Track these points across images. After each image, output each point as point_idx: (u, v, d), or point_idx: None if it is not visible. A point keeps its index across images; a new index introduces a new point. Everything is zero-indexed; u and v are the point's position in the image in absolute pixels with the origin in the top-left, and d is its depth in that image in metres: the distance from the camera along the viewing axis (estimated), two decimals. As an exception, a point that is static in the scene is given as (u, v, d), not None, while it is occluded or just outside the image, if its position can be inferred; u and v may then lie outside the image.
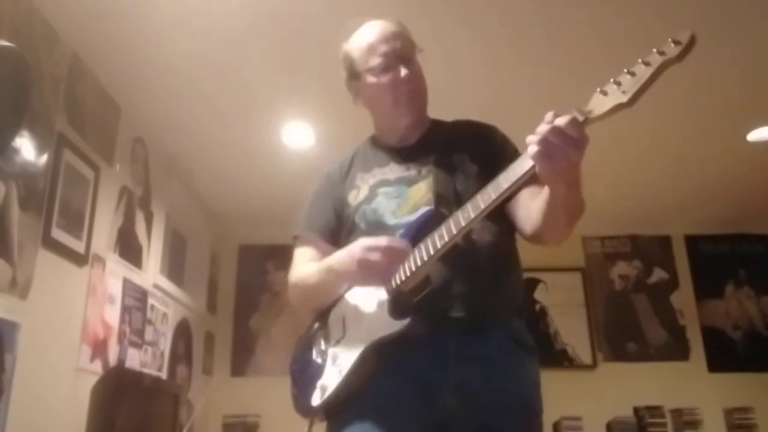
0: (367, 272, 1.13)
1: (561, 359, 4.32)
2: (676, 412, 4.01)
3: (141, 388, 2.71)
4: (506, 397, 1.14)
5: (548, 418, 4.21)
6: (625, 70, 0.90)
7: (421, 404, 1.13)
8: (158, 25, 2.35)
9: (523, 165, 0.99)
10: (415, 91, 1.34)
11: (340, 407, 1.19)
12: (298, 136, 3.18)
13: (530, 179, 1.01)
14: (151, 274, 3.16)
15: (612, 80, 0.92)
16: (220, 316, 4.38)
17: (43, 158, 2.18)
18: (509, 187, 1.01)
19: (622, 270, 4.56)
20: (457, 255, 1.14)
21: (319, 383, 1.22)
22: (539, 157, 0.94)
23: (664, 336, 4.37)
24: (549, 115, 0.95)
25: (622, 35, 2.40)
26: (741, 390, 4.11)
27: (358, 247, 1.15)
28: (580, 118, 0.93)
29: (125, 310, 2.80)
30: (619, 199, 4.08)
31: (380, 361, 1.15)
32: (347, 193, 1.36)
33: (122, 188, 2.83)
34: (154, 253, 3.21)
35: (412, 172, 1.31)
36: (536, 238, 1.20)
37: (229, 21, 2.35)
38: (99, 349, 2.53)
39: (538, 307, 4.45)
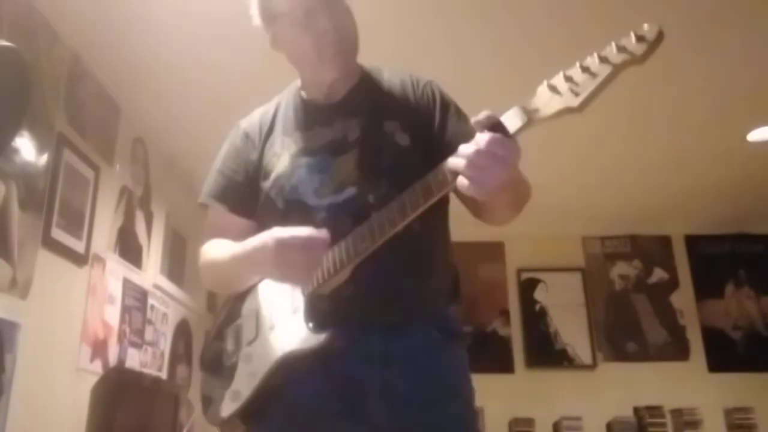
0: (286, 271, 1.02)
1: (561, 359, 4.32)
2: (676, 412, 4.01)
3: (141, 388, 2.71)
4: (434, 394, 1.07)
5: (548, 418, 4.22)
6: (579, 65, 0.79)
7: (345, 409, 1.05)
8: (158, 25, 2.35)
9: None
10: (342, 40, 1.16)
11: (255, 416, 1.09)
12: (298, 136, 3.17)
13: None
14: (151, 274, 3.16)
15: (562, 74, 0.81)
16: (220, 316, 4.37)
17: (43, 158, 2.18)
18: (438, 194, 0.94)
19: (622, 270, 4.57)
20: (380, 252, 1.02)
21: (230, 391, 1.11)
22: (470, 188, 0.88)
23: (664, 336, 4.37)
24: (477, 137, 0.87)
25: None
26: (741, 390, 4.11)
27: (272, 242, 1.01)
28: (523, 120, 0.85)
29: (125, 310, 2.80)
30: (619, 199, 4.08)
31: (298, 369, 1.05)
32: (266, 158, 1.20)
33: (122, 188, 2.83)
34: (154, 253, 3.21)
35: (338, 135, 1.16)
36: (487, 222, 1.15)
37: (228, 21, 2.34)
38: (99, 349, 2.53)
39: (538, 307, 4.45)
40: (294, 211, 1.13)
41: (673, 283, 4.51)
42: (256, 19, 1.24)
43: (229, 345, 1.17)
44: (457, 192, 1.10)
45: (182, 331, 3.63)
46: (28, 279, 2.05)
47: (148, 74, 2.66)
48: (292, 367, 1.05)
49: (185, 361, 3.68)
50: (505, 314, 4.39)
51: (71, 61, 2.41)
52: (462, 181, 0.88)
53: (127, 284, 2.83)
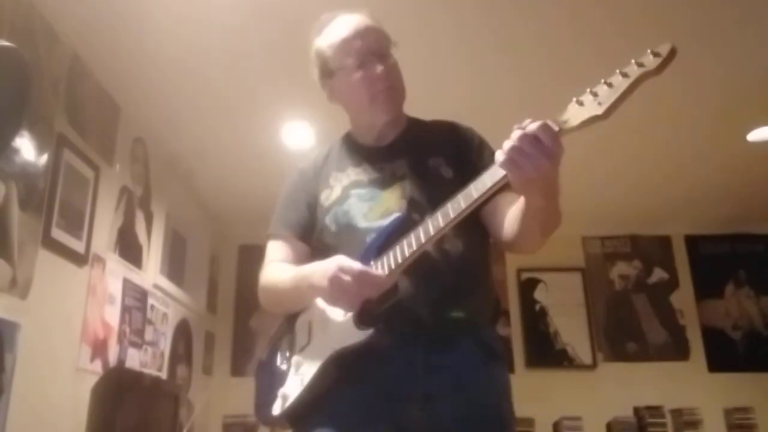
0: (336, 293, 1.08)
1: (561, 359, 4.32)
2: (676, 412, 4.01)
3: (141, 388, 2.71)
4: (475, 410, 1.11)
5: (548, 418, 4.22)
6: (603, 81, 0.89)
7: (385, 415, 1.10)
8: (158, 25, 2.35)
9: (495, 174, 0.97)
10: (392, 87, 1.29)
11: (302, 417, 1.16)
12: (298, 136, 3.18)
13: (506, 186, 0.98)
14: (151, 274, 3.16)
15: (588, 90, 0.90)
16: (220, 316, 4.38)
17: (43, 158, 2.18)
18: (479, 197, 0.99)
19: (622, 270, 4.57)
20: (426, 264, 1.12)
21: (281, 391, 1.20)
22: (507, 165, 0.92)
23: (664, 336, 4.37)
24: (525, 122, 0.93)
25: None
26: (741, 390, 4.11)
27: (333, 265, 1.09)
28: (555, 129, 0.91)
29: (125, 310, 2.80)
30: (619, 199, 4.08)
31: (343, 370, 1.11)
32: (320, 191, 1.33)
33: (122, 188, 2.83)
34: (154, 253, 3.21)
35: (386, 173, 1.27)
36: (510, 246, 1.18)
37: (229, 21, 2.35)
38: (99, 349, 2.53)
39: (538, 307, 4.46)
40: (345, 232, 1.24)
41: (673, 283, 4.51)
42: (315, 77, 1.37)
43: (283, 353, 1.27)
44: (488, 221, 1.21)
45: (182, 331, 3.63)
46: (28, 279, 2.05)
47: (148, 74, 2.66)
48: (340, 366, 1.11)
49: (185, 361, 3.68)
50: (505, 314, 4.39)
51: (71, 61, 2.40)
52: (502, 159, 0.92)
53: (127, 284, 2.83)
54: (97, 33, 2.37)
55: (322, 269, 1.11)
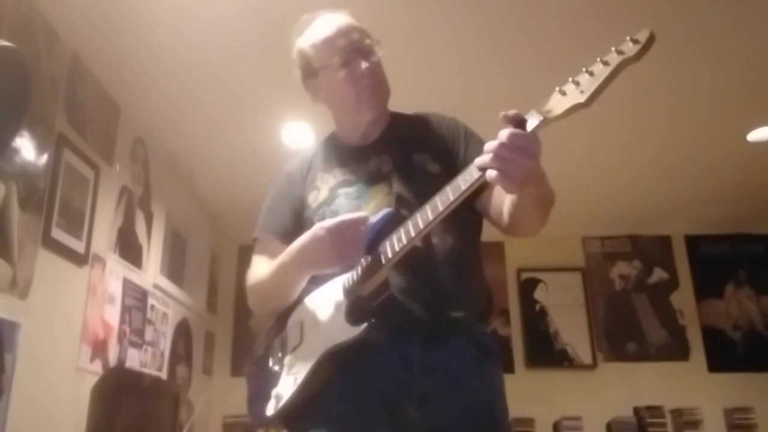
0: (341, 249, 1.09)
1: (561, 359, 4.32)
2: (676, 412, 4.01)
3: (141, 388, 2.72)
4: (470, 408, 1.11)
5: (548, 418, 4.21)
6: (584, 69, 0.90)
7: (381, 414, 1.10)
8: (158, 25, 2.35)
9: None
10: (377, 84, 1.29)
11: (296, 417, 1.15)
12: (298, 136, 3.18)
13: None
14: (151, 274, 3.16)
15: (571, 79, 0.91)
16: (220, 316, 4.38)
17: (43, 158, 2.18)
18: (467, 189, 0.99)
19: (622, 270, 4.57)
20: (417, 259, 1.12)
21: (274, 392, 1.19)
22: (496, 178, 0.92)
23: (664, 336, 4.37)
24: (511, 112, 0.94)
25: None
26: (741, 390, 4.11)
27: (320, 229, 1.11)
28: (539, 119, 0.92)
29: (125, 310, 2.80)
30: (619, 199, 4.08)
31: (337, 368, 1.11)
32: (307, 193, 1.33)
33: (122, 188, 2.83)
34: (154, 253, 3.21)
35: (372, 171, 1.27)
36: (511, 231, 1.18)
37: (229, 21, 2.35)
38: (99, 349, 2.53)
39: (538, 307, 4.46)
40: None
41: (673, 283, 4.51)
42: (298, 79, 1.37)
43: (276, 353, 1.25)
44: (486, 211, 1.21)
45: (182, 331, 3.64)
46: (28, 279, 2.05)
47: (148, 74, 2.66)
48: (333, 364, 1.10)
49: (185, 361, 3.68)
50: (505, 314, 4.39)
51: (71, 61, 2.41)
52: (490, 173, 0.93)
53: (127, 284, 2.83)
54: (97, 33, 2.37)
55: (311, 238, 1.13)
